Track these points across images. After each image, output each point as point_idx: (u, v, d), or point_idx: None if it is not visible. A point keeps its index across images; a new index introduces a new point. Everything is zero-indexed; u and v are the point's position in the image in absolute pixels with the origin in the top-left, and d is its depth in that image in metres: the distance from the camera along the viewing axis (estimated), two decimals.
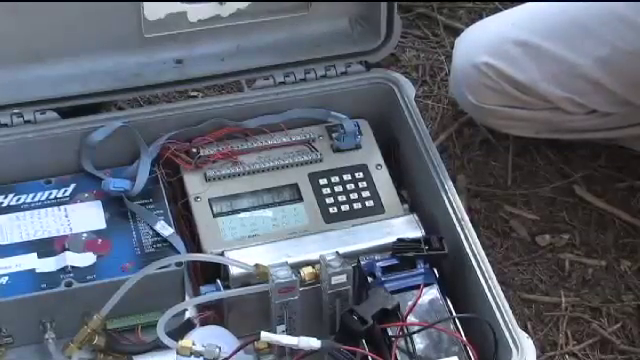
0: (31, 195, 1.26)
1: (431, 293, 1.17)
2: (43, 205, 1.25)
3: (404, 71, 1.64)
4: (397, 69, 1.61)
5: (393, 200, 1.28)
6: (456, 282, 1.20)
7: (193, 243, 1.25)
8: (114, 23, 1.27)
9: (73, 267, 1.18)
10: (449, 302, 1.17)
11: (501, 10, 1.68)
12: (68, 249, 1.20)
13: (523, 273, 1.45)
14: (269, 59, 1.33)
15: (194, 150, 1.29)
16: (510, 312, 1.13)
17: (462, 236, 1.20)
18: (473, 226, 1.21)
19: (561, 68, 1.45)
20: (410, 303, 1.14)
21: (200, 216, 1.25)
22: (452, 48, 1.54)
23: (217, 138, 1.30)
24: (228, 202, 1.27)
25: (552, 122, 1.51)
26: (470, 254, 1.18)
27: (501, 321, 1.13)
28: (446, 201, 1.23)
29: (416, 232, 1.23)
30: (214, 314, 1.21)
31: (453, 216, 1.22)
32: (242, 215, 1.26)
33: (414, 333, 1.12)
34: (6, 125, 1.26)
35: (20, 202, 1.25)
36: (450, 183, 1.25)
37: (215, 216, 1.25)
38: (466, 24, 1.68)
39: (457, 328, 1.14)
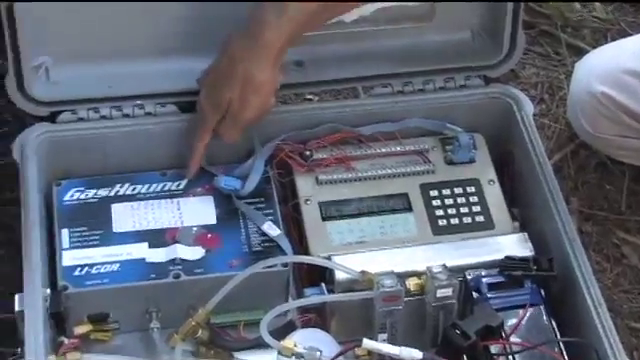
0: (146, 186, 1.28)
1: (537, 314, 1.15)
2: (157, 196, 1.27)
3: (522, 88, 1.62)
4: (515, 85, 1.59)
5: (504, 217, 1.27)
6: (563, 305, 1.18)
7: (300, 245, 1.25)
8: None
9: (182, 260, 1.20)
10: (554, 324, 1.15)
11: (627, 31, 1.65)
12: (178, 241, 1.22)
13: (632, 301, 1.42)
14: (389, 67, 1.33)
15: (308, 153, 1.29)
16: (617, 339, 1.11)
17: (572, 259, 1.18)
18: (584, 249, 1.19)
19: None
20: (515, 322, 1.13)
21: (309, 219, 1.26)
22: (573, 68, 1.52)
23: (331, 142, 1.31)
24: (338, 207, 1.27)
25: None
26: (580, 277, 1.16)
27: (608, 348, 1.11)
28: (558, 222, 1.21)
29: (525, 251, 1.21)
30: (316, 317, 1.21)
31: (564, 238, 1.20)
32: (351, 221, 1.26)
33: (517, 353, 1.11)
34: (128, 116, 1.29)
35: (135, 192, 1.27)
36: (563, 204, 1.23)
37: (324, 220, 1.26)
38: (590, 44, 1.66)
39: (561, 352, 1.12)
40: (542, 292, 1.17)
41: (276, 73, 1.19)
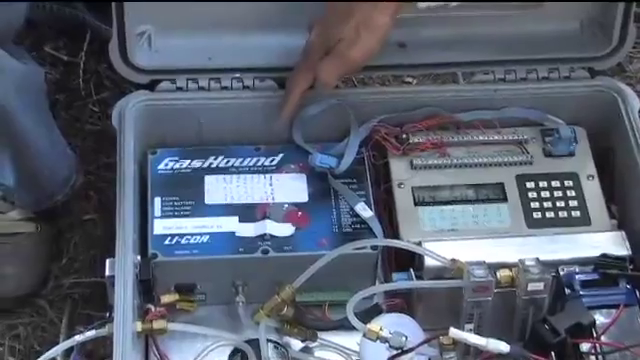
0: (240, 160, 1.28)
1: (630, 315, 1.12)
2: (250, 171, 1.27)
3: (628, 82, 1.57)
4: (621, 79, 1.55)
5: (601, 214, 1.24)
6: None
7: (390, 228, 1.24)
8: None
9: (272, 236, 1.20)
10: None
11: None
12: (269, 217, 1.21)
13: None
14: (492, 54, 1.31)
15: (404, 136, 1.28)
16: None
17: None
18: None
19: None
20: (607, 321, 1.10)
21: (401, 203, 1.24)
22: None
23: (428, 127, 1.29)
24: (431, 192, 1.25)
25: None
26: None
27: None
28: None
29: (622, 250, 1.18)
30: (402, 302, 1.20)
31: None
32: (443, 207, 1.24)
33: (607, 353, 1.08)
34: (226, 88, 1.29)
35: (229, 165, 1.27)
36: None
37: (416, 205, 1.24)
38: None
39: None
40: (637, 293, 1.14)
41: (393, 22, 1.18)
